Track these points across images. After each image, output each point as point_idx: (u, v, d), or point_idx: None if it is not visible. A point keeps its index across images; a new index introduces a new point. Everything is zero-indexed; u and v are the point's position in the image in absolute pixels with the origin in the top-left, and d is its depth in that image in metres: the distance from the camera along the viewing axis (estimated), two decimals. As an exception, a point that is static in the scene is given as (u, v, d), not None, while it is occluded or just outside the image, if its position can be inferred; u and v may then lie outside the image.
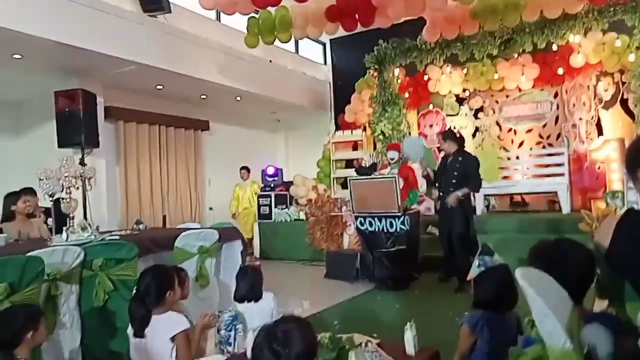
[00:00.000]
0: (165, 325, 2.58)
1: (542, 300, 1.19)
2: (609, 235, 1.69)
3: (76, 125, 6.54)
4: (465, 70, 8.54)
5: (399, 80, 8.94)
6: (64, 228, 3.70)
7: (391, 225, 6.05)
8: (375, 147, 8.99)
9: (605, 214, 5.56)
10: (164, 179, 8.89)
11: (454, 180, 5.62)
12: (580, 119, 7.93)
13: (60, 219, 4.15)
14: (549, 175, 7.71)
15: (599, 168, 7.63)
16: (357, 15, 6.31)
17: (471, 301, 2.56)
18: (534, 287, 1.25)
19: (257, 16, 7.01)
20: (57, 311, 3.10)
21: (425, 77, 8.82)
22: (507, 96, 8.88)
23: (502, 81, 8.42)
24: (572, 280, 1.42)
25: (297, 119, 11.27)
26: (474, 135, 9.00)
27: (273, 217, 8.91)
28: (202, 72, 7.85)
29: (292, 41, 10.06)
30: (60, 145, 6.52)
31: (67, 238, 3.52)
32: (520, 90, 8.65)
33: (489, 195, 8.07)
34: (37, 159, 5.44)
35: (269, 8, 6.64)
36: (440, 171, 5.96)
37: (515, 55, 7.99)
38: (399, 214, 5.95)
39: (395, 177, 5.95)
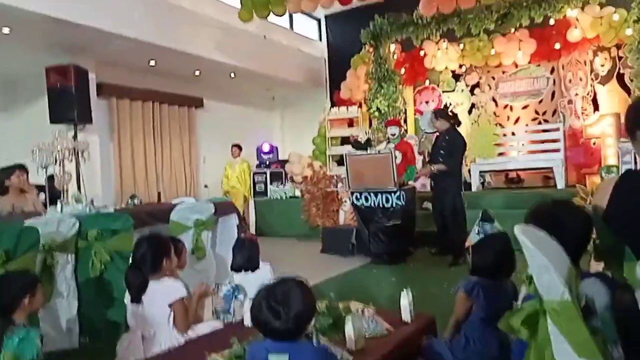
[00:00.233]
0: (163, 292, 2.59)
1: (540, 252, 1.19)
2: (606, 197, 1.69)
3: (68, 101, 6.48)
4: (461, 46, 8.47)
5: (395, 56, 8.86)
6: (58, 200, 3.68)
7: (387, 200, 6.06)
8: (370, 124, 8.96)
9: (600, 188, 5.57)
10: (158, 156, 8.85)
11: (440, 158, 5.70)
12: (576, 94, 7.91)
13: (53, 194, 4.14)
14: (544, 151, 7.73)
15: (594, 144, 7.65)
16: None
17: (466, 274, 2.57)
18: (533, 241, 1.24)
19: (251, -11, 6.90)
20: (54, 280, 3.11)
21: (422, 53, 8.74)
22: (504, 72, 8.83)
23: (498, 57, 8.36)
24: (569, 242, 1.39)
25: (293, 96, 11.19)
26: (470, 112, 8.96)
27: (268, 194, 8.91)
28: (196, 48, 7.75)
29: (287, 17, 9.95)
30: (52, 121, 6.46)
31: (61, 210, 3.50)
32: (516, 66, 8.60)
33: (484, 171, 8.09)
34: (30, 136, 5.38)
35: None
36: (431, 149, 6.08)
37: (512, 30, 7.92)
38: (395, 190, 5.95)
39: (391, 152, 5.93)
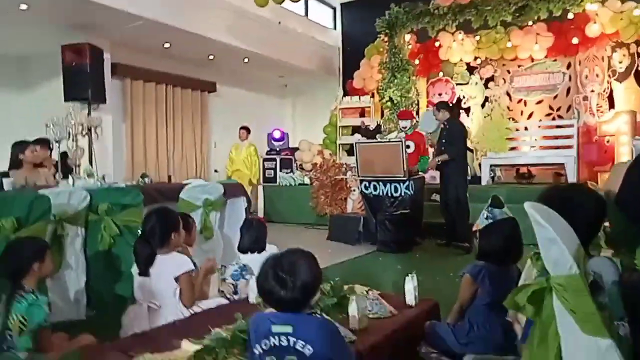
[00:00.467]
0: (170, 266, 2.61)
1: (550, 226, 1.18)
2: (619, 181, 1.67)
3: (83, 80, 6.52)
4: (477, 38, 8.37)
5: (410, 47, 8.79)
6: (70, 174, 3.71)
7: (396, 189, 6.05)
8: (382, 114, 8.91)
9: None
10: (169, 139, 8.89)
11: (442, 147, 5.86)
12: (592, 91, 7.79)
13: (66, 171, 4.18)
14: (557, 147, 7.65)
15: (608, 141, 7.55)
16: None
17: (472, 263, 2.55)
18: (543, 215, 1.23)
19: (267, -27, 6.87)
20: (63, 252, 3.15)
21: (437, 44, 8.66)
22: (519, 66, 8.72)
23: (514, 50, 8.25)
24: (580, 225, 1.36)
25: (305, 84, 11.16)
26: (483, 105, 8.88)
27: (278, 180, 8.92)
28: (211, 32, 7.75)
29: (302, 4, 9.89)
30: (67, 100, 6.50)
31: (73, 183, 3.54)
32: (532, 60, 8.49)
33: (495, 165, 8.03)
34: (44, 113, 5.42)
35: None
36: (436, 141, 6.23)
37: (530, 23, 7.81)
38: (404, 179, 5.94)
39: (402, 141, 5.92)
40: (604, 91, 7.75)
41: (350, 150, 8.74)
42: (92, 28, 6.79)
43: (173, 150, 8.96)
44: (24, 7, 5.99)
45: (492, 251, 2.42)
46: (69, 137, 3.79)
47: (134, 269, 2.68)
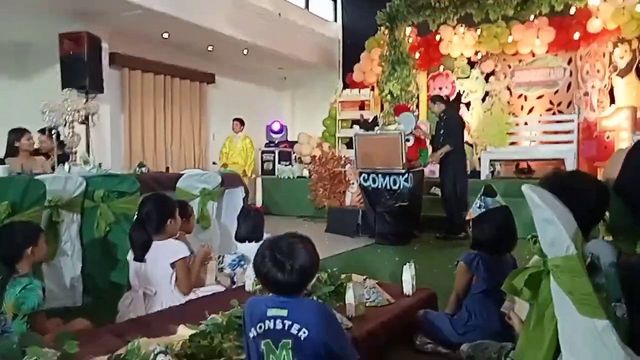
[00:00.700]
0: (166, 252, 2.60)
1: (547, 206, 1.16)
2: (618, 167, 1.65)
3: (81, 68, 6.46)
4: (478, 32, 8.33)
5: (410, 40, 8.74)
6: (67, 161, 3.69)
7: (394, 182, 6.03)
8: (382, 108, 8.88)
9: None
10: (167, 130, 8.85)
11: (441, 139, 5.99)
12: (593, 86, 7.76)
13: (63, 159, 4.15)
14: (556, 143, 7.64)
15: (608, 137, 7.52)
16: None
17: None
18: (541, 197, 1.21)
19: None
20: (59, 238, 3.13)
21: (437, 38, 8.62)
22: (520, 61, 8.69)
23: (515, 45, 8.22)
24: (580, 214, 1.33)
25: (305, 76, 11.11)
26: (483, 100, 8.86)
27: (276, 173, 8.91)
28: (210, 22, 7.69)
29: (303, -5, 9.84)
30: (64, 89, 6.45)
31: (69, 170, 3.52)
32: (533, 55, 8.45)
33: (494, 160, 8.02)
34: (42, 102, 5.40)
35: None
36: (434, 134, 6.39)
37: (532, 18, 7.77)
38: (403, 172, 5.92)
39: (401, 133, 5.89)
40: (604, 87, 7.71)
41: (349, 143, 8.71)
42: (90, 17, 6.74)
43: (171, 142, 8.92)
44: (21, -7, 5.95)
45: (485, 240, 2.43)
46: (65, 123, 3.76)
47: (130, 256, 2.67)
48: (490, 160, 7.92)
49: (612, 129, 7.37)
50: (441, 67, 9.18)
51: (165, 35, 8.00)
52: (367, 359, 2.02)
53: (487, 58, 8.79)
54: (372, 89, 9.20)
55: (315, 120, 9.96)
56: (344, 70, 10.21)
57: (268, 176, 9.01)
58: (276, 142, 9.60)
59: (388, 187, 6.06)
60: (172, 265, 2.60)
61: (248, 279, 2.79)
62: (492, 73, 8.87)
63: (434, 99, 6.32)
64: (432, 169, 7.94)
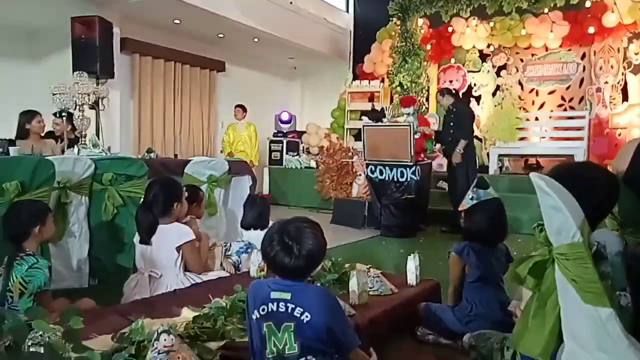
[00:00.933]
0: (172, 235, 2.61)
1: (555, 193, 1.15)
2: (627, 159, 1.63)
3: (92, 53, 6.46)
4: (491, 24, 8.23)
5: (422, 31, 8.66)
6: (76, 144, 3.71)
7: (402, 174, 6.01)
8: (392, 100, 8.83)
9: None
10: (177, 117, 8.87)
11: (451, 131, 5.91)
12: (606, 82, 7.66)
13: (73, 139, 4.18)
14: (567, 139, 7.57)
15: (619, 134, 7.44)
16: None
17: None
18: (548, 184, 1.20)
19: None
20: (67, 220, 3.15)
21: (450, 30, 8.53)
22: (533, 55, 8.58)
23: (528, 38, 8.11)
24: (588, 205, 1.30)
25: (315, 66, 11.06)
26: (494, 94, 8.77)
27: (284, 163, 8.91)
28: (221, 9, 7.67)
29: (315, -15, 9.77)
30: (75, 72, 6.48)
31: (78, 152, 3.54)
32: (547, 49, 8.35)
33: (503, 155, 7.96)
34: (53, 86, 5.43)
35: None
36: (442, 128, 6.36)
37: (546, 11, 7.66)
38: (411, 164, 5.90)
39: (410, 125, 5.86)
40: (618, 83, 7.62)
41: (357, 135, 8.68)
42: (101, 1, 6.75)
43: (180, 129, 8.95)
44: (34, -23, 5.96)
45: (476, 231, 2.45)
46: (75, 106, 3.77)
47: (136, 238, 2.68)
48: (499, 155, 7.87)
49: (624, 127, 7.29)
50: (452, 60, 9.10)
51: (177, 21, 8.00)
52: (369, 346, 2.02)
53: (500, 51, 8.69)
54: (382, 81, 9.15)
55: (324, 111, 9.93)
56: (355, 61, 10.16)
57: (275, 166, 9.02)
58: (285, 132, 9.59)
59: (395, 179, 6.04)
60: (178, 249, 2.62)
61: (252, 264, 2.81)
62: (504, 67, 8.77)
63: (442, 91, 6.30)
64: (440, 163, 7.91)
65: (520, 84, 8.73)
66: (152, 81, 8.36)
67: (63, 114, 3.96)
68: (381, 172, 6.16)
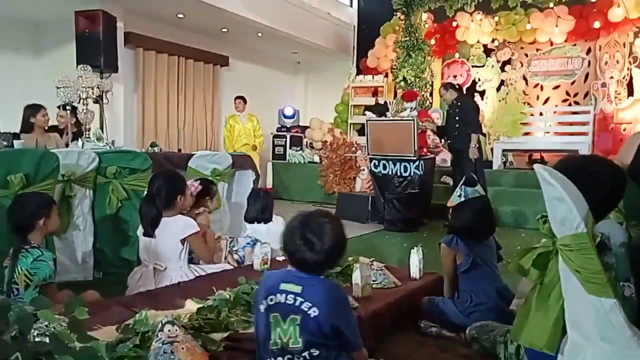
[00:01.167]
0: (175, 228, 2.62)
1: (558, 184, 1.14)
2: (632, 152, 1.63)
3: (96, 47, 6.48)
4: (496, 19, 8.19)
5: (426, 26, 8.63)
6: (80, 137, 3.72)
7: (405, 169, 6.01)
8: (395, 95, 8.81)
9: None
10: (180, 111, 8.87)
11: (456, 125, 5.85)
12: (611, 77, 7.61)
13: (77, 133, 4.19)
14: (571, 134, 7.54)
15: (624, 130, 7.41)
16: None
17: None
18: (553, 176, 1.20)
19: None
20: (71, 212, 3.17)
21: (454, 24, 8.50)
22: (538, 49, 8.54)
23: (533, 33, 8.07)
24: (593, 198, 1.28)
25: (318, 61, 11.05)
26: (498, 89, 8.73)
27: (287, 157, 8.91)
28: (225, 3, 7.66)
29: (319, -21, 9.74)
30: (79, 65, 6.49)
31: (82, 146, 3.55)
32: (551, 44, 8.31)
33: (507, 150, 7.93)
34: (57, 79, 5.44)
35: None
36: (445, 122, 6.35)
37: (551, 5, 7.62)
38: (414, 158, 5.89)
39: (414, 119, 5.85)
40: (623, 78, 7.58)
41: (361, 129, 8.67)
42: (106, -6, 6.76)
43: (184, 123, 8.95)
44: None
45: (462, 226, 2.50)
46: (79, 100, 3.78)
47: (140, 230, 2.70)
48: (503, 150, 7.84)
49: (629, 122, 7.26)
50: (457, 55, 9.06)
51: (180, 15, 7.99)
52: (372, 339, 2.03)
53: (504, 46, 8.65)
54: (386, 76, 9.12)
55: (327, 106, 9.91)
56: (358, 55, 10.14)
57: (279, 161, 9.02)
58: (288, 126, 9.58)
59: (398, 173, 6.04)
60: (182, 241, 2.63)
61: (256, 257, 2.82)
62: (508, 62, 8.73)
63: (446, 86, 6.27)
64: (444, 158, 7.89)
65: (524, 78, 8.69)
66: (156, 75, 8.37)
67: (67, 107, 3.97)
68: (384, 167, 6.16)
